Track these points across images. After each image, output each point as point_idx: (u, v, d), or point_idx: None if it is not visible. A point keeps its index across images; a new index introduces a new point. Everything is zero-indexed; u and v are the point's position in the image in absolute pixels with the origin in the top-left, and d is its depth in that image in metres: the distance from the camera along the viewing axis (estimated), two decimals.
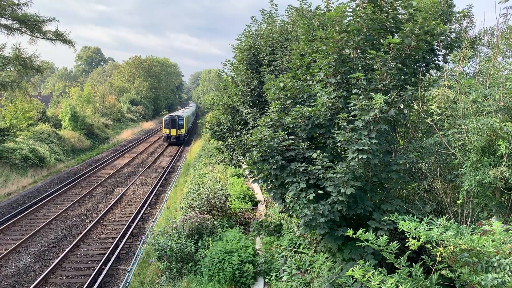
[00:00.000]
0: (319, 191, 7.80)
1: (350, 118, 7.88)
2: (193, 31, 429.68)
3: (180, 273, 11.84)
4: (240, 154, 16.30)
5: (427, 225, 5.32)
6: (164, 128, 50.78)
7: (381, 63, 8.00)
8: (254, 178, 9.20)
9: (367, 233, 5.79)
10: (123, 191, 26.06)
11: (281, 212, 9.71)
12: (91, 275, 13.86)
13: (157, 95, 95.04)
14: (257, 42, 18.45)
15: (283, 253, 11.43)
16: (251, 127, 16.02)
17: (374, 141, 7.13)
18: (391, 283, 4.98)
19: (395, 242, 5.73)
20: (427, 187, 9.15)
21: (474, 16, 10.42)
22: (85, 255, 15.87)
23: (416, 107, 8.43)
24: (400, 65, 8.10)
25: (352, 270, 5.20)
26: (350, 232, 5.91)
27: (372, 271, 5.17)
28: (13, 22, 21.21)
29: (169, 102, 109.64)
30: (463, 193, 6.93)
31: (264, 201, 19.07)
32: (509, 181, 6.32)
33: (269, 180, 8.84)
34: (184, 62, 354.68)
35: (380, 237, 5.73)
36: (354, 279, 6.39)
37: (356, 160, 7.25)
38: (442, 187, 8.23)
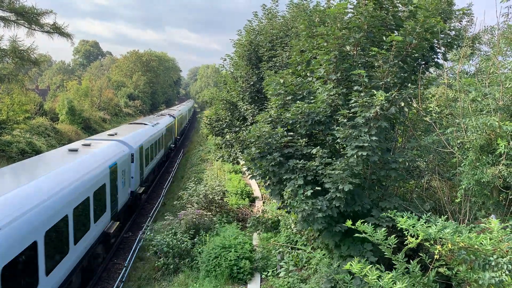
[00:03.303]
0: (317, 188, 7.80)
1: (350, 115, 7.87)
2: (192, 26, 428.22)
3: (177, 268, 11.84)
4: (239, 150, 16.29)
5: (425, 223, 5.33)
6: None
7: (382, 61, 7.99)
8: (252, 175, 9.19)
9: (366, 224, 5.80)
10: None
11: (279, 208, 9.71)
12: None
13: (155, 90, 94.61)
14: (258, 38, 18.35)
15: (280, 249, 11.45)
16: (249, 123, 15.99)
17: (374, 138, 7.13)
18: (388, 279, 4.99)
19: (393, 236, 5.74)
20: (425, 185, 9.17)
21: (474, 15, 10.42)
22: None
23: (415, 105, 8.43)
24: (401, 63, 8.10)
25: (350, 264, 5.21)
26: (348, 223, 5.89)
27: (370, 266, 5.18)
28: (10, 14, 20.95)
29: (166, 97, 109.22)
30: (461, 192, 6.94)
31: (262, 197, 19.10)
32: (507, 180, 6.34)
33: (267, 176, 8.84)
34: (183, 58, 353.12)
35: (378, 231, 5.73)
36: (352, 276, 6.41)
37: (355, 157, 7.26)
38: (440, 185, 8.25)
